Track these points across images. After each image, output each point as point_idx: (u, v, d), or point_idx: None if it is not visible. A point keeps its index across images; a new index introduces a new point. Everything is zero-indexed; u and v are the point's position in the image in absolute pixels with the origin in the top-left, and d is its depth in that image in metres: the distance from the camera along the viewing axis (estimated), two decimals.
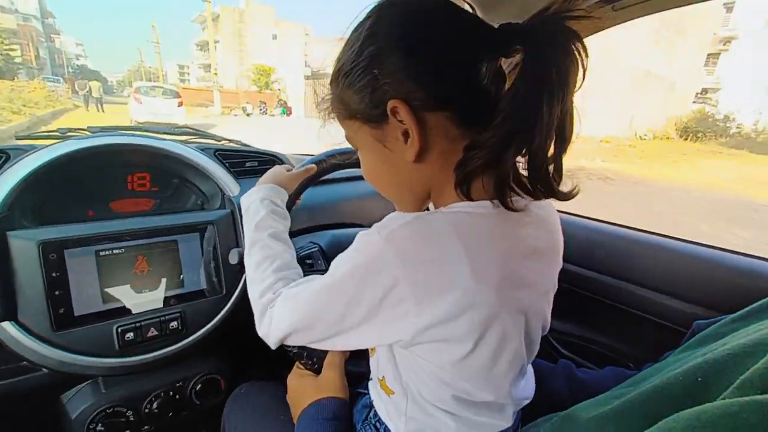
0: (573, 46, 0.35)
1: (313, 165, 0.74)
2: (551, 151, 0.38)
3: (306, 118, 22.13)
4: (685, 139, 17.43)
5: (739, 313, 0.49)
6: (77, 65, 68.73)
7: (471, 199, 0.41)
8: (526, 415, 0.56)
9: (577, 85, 0.37)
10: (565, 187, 0.41)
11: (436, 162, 0.44)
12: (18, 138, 0.86)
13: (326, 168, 0.77)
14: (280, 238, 0.60)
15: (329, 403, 0.58)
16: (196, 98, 25.36)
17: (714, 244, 0.87)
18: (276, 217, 0.62)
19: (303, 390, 0.63)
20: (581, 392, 0.66)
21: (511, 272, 0.41)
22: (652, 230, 0.97)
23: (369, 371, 0.59)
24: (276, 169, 0.73)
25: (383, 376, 0.51)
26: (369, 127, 0.45)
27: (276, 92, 30.70)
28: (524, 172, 0.40)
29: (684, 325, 0.79)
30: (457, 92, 0.41)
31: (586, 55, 0.36)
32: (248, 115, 20.62)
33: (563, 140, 0.38)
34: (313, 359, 0.66)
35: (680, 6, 0.78)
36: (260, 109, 24.01)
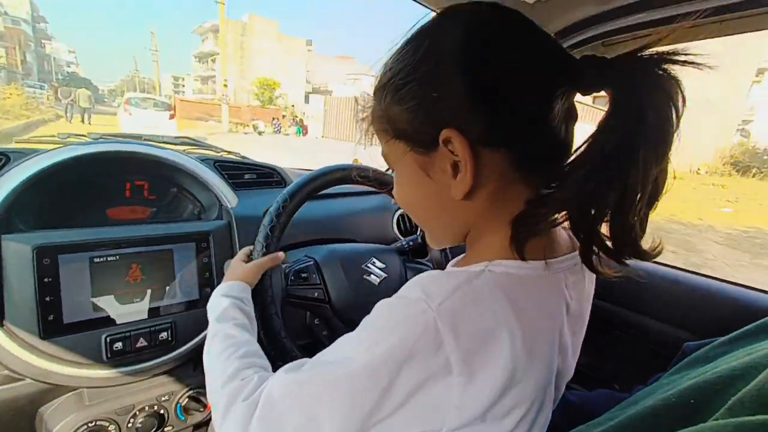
0: (674, 95, 0.30)
1: (279, 253, 0.70)
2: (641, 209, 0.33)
3: (324, 139, 20.00)
4: (742, 175, 14.57)
5: (728, 336, 0.50)
6: (68, 72, 66.73)
7: (523, 259, 0.36)
8: None
9: (667, 136, 0.31)
10: (645, 244, 0.36)
11: (484, 203, 0.38)
12: (17, 141, 0.86)
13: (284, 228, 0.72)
14: (246, 329, 0.53)
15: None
16: (194, 111, 24.04)
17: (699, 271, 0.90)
18: (240, 311, 0.56)
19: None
20: (574, 415, 0.66)
21: (557, 340, 0.38)
22: None
23: None
24: (234, 264, 0.68)
25: None
26: (414, 152, 0.39)
27: (280, 108, 28.78)
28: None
29: (669, 348, 0.81)
30: (523, 129, 0.35)
31: (685, 105, 0.31)
32: (260, 133, 19.01)
33: (654, 199, 0.33)
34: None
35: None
36: (274, 127, 21.87)
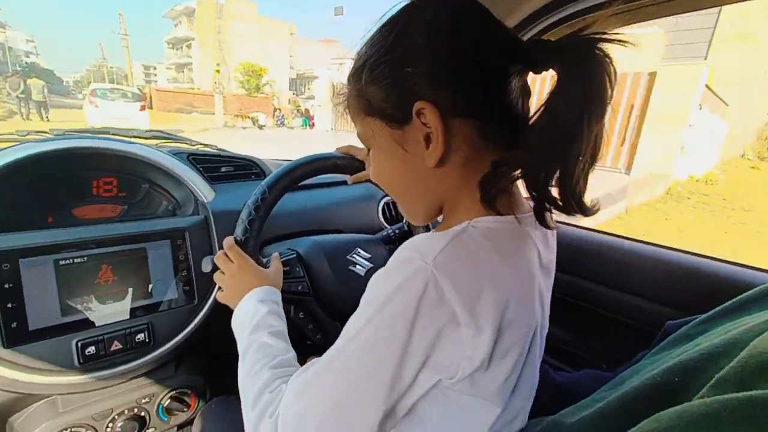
0: (608, 68, 0.35)
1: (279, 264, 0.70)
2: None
3: (335, 132, 16.94)
4: None
5: (708, 314, 0.51)
6: (26, 63, 58.78)
7: (499, 214, 0.40)
8: None
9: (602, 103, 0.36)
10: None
11: (456, 171, 0.42)
12: None
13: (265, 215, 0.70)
14: (281, 337, 0.53)
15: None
16: (173, 102, 21.61)
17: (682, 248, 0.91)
18: (277, 317, 0.56)
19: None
20: (560, 395, 0.67)
21: (538, 286, 0.42)
22: (620, 234, 1.00)
23: None
24: (255, 271, 0.63)
25: None
26: (389, 127, 0.42)
27: (269, 97, 25.83)
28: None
29: (653, 326, 0.81)
30: (487, 101, 0.40)
31: (616, 78, 0.36)
32: (261, 127, 16.53)
33: (595, 159, 0.37)
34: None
35: (636, 22, 0.81)
36: (276, 120, 19.53)
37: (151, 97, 21.13)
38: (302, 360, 0.64)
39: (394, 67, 0.40)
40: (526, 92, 0.43)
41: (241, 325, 0.55)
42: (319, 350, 0.68)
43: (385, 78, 0.41)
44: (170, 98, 22.04)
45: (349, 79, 0.46)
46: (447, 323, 0.34)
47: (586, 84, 0.34)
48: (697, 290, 0.83)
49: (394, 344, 0.34)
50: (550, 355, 1.06)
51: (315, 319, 0.81)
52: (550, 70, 0.38)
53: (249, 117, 17.60)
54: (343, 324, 0.63)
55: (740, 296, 0.49)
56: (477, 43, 0.39)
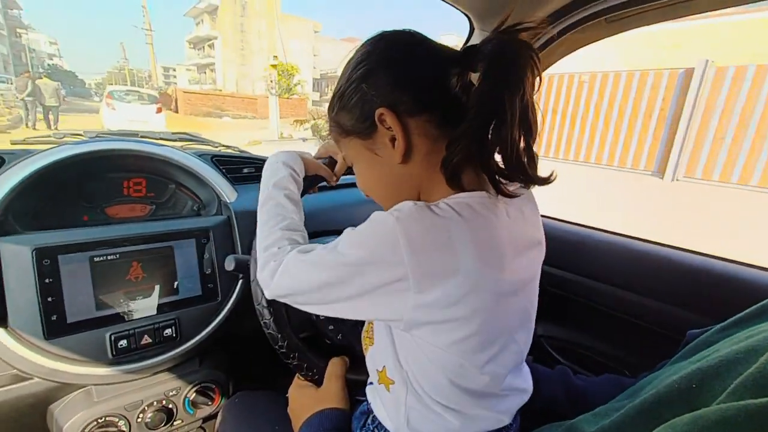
0: (526, 53, 0.41)
1: (334, 175, 0.72)
2: (522, 142, 0.43)
3: None
4: None
5: (728, 321, 0.50)
6: (49, 65, 58.44)
7: (465, 190, 0.46)
8: (524, 417, 0.56)
9: (535, 89, 0.43)
10: (543, 174, 0.46)
11: (422, 162, 0.48)
12: (12, 143, 0.85)
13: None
14: (293, 200, 0.62)
15: (330, 414, 0.58)
16: (201, 105, 19.91)
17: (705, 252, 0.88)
18: (294, 183, 0.64)
19: (304, 401, 0.63)
20: (578, 399, 0.66)
21: (509, 256, 0.45)
22: (646, 239, 0.98)
23: (367, 378, 0.58)
24: (304, 153, 0.73)
25: (383, 366, 0.52)
26: (360, 139, 0.50)
27: (304, 98, 23.55)
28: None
29: (680, 333, 0.79)
30: (433, 99, 0.47)
31: (539, 60, 0.42)
32: (323, 137, 12.91)
33: (529, 131, 0.42)
34: (314, 370, 0.65)
35: (670, 19, 0.80)
36: None
37: (176, 100, 20.06)
38: (323, 362, 0.66)
39: (355, 89, 0.48)
40: (469, 87, 0.48)
41: (266, 176, 0.65)
42: (339, 350, 0.69)
43: (350, 100, 0.49)
44: (198, 100, 20.42)
45: (328, 112, 0.54)
46: (396, 281, 0.41)
47: (503, 66, 0.41)
48: (723, 295, 0.80)
49: (348, 270, 0.44)
50: (571, 359, 1.04)
51: (335, 320, 0.82)
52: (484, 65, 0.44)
53: (308, 122, 13.44)
54: (361, 324, 0.65)
55: (762, 302, 0.47)
56: (419, 59, 0.48)
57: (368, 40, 0.51)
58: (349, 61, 0.51)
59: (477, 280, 0.41)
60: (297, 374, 0.68)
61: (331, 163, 0.73)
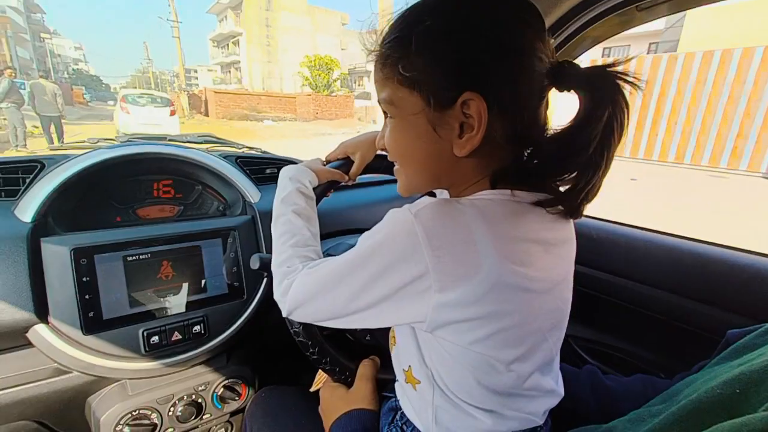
0: (625, 99, 0.39)
1: (347, 175, 0.71)
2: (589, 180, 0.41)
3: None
4: None
5: None
6: (74, 69, 58.67)
7: (494, 187, 0.44)
8: (551, 418, 0.55)
9: (621, 135, 0.40)
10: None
11: (473, 162, 0.44)
12: (51, 149, 0.90)
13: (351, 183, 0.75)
14: (302, 215, 0.61)
15: (360, 415, 0.58)
16: (235, 107, 17.47)
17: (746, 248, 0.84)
18: (301, 195, 0.63)
19: (334, 402, 0.63)
20: (607, 399, 0.64)
21: (537, 254, 0.42)
22: (679, 234, 0.94)
23: (395, 374, 0.58)
24: (314, 159, 0.72)
25: (409, 366, 0.51)
26: (427, 105, 0.42)
27: (349, 95, 21.04)
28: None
29: (716, 333, 0.76)
30: (526, 105, 0.42)
31: (628, 109, 0.40)
32: None
33: (604, 176, 0.42)
34: (346, 373, 0.66)
35: (702, 5, 0.76)
36: None
37: (206, 102, 18.14)
38: (354, 364, 0.66)
39: (455, 48, 0.39)
40: (547, 105, 0.45)
41: (276, 194, 0.64)
42: (369, 350, 0.70)
43: (442, 56, 0.40)
44: (231, 101, 17.90)
45: (388, 38, 0.44)
46: (416, 278, 0.39)
47: (610, 116, 0.38)
48: (762, 294, 0.76)
49: (368, 266, 0.42)
50: (599, 360, 1.01)
51: None
52: (572, 91, 0.42)
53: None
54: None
55: None
56: (533, 49, 0.40)
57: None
58: (459, 5, 0.40)
59: (499, 276, 0.39)
60: (329, 376, 0.68)
61: (347, 164, 0.71)
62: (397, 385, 0.58)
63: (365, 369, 0.65)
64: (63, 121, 7.91)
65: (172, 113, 10.76)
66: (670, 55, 7.79)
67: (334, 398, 0.64)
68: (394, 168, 0.52)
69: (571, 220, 0.50)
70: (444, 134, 0.42)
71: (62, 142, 6.10)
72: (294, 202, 0.61)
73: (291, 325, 0.64)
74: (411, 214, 0.40)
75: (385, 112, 0.48)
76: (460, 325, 0.41)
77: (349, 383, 0.65)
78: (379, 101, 0.47)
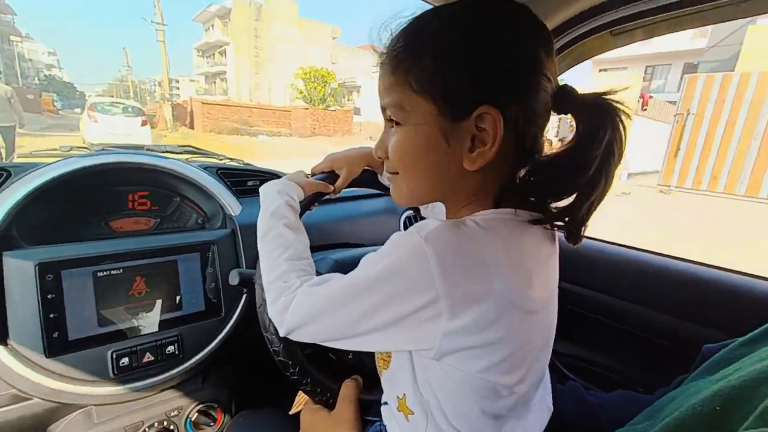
0: (624, 126, 0.40)
1: (333, 187, 0.70)
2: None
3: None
4: None
5: (747, 336, 0.48)
6: (45, 75, 54.07)
7: (498, 206, 0.44)
8: None
9: (620, 157, 0.41)
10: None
11: (479, 177, 0.44)
12: (19, 156, 0.85)
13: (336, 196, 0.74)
14: (292, 227, 0.60)
15: None
16: (224, 119, 15.99)
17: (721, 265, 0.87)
18: (290, 209, 0.62)
19: (316, 425, 0.61)
20: (591, 415, 0.64)
21: (536, 271, 0.43)
22: (657, 251, 0.97)
23: (380, 398, 0.56)
24: (297, 172, 0.70)
25: (403, 395, 0.49)
26: (442, 116, 0.41)
27: (348, 110, 19.92)
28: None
29: (692, 348, 0.77)
30: (536, 123, 0.42)
31: (626, 132, 0.40)
32: None
33: (600, 201, 0.42)
34: (327, 394, 0.63)
35: (674, 31, 0.80)
36: None
37: (191, 113, 16.53)
38: (336, 384, 0.64)
39: (476, 59, 0.39)
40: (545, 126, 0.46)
41: (263, 208, 0.61)
42: (351, 370, 0.67)
43: (462, 66, 0.39)
44: (220, 114, 16.43)
45: (401, 42, 0.42)
46: (427, 305, 0.38)
47: (611, 139, 0.39)
48: (737, 310, 0.79)
49: (375, 291, 0.40)
50: (581, 376, 1.02)
51: None
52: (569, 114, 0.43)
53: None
54: None
55: None
56: (546, 69, 0.41)
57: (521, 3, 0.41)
58: (482, 5, 0.41)
59: (509, 299, 0.38)
60: (309, 398, 0.66)
61: (332, 177, 0.70)
62: (384, 409, 0.56)
63: (348, 390, 0.62)
64: (21, 131, 6.31)
65: (144, 123, 10.25)
66: (724, 75, 7.14)
67: (315, 421, 0.61)
68: (389, 176, 0.51)
69: (557, 235, 0.51)
70: (455, 146, 0.42)
71: (11, 159, 4.75)
72: (284, 215, 0.60)
73: (271, 343, 0.61)
74: (420, 237, 0.38)
75: (389, 119, 0.46)
76: (470, 352, 0.39)
77: (330, 405, 0.63)
78: (384, 106, 0.45)
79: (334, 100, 20.87)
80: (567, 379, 1.02)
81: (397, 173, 0.48)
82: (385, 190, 0.79)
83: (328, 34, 30.12)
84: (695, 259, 0.90)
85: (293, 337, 0.50)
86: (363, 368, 0.68)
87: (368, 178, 0.74)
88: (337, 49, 30.92)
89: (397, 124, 0.45)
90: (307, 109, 18.43)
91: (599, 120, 0.39)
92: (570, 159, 0.40)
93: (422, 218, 0.66)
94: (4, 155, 5.87)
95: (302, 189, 0.66)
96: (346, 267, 0.83)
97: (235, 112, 17.07)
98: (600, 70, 19.04)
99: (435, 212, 0.75)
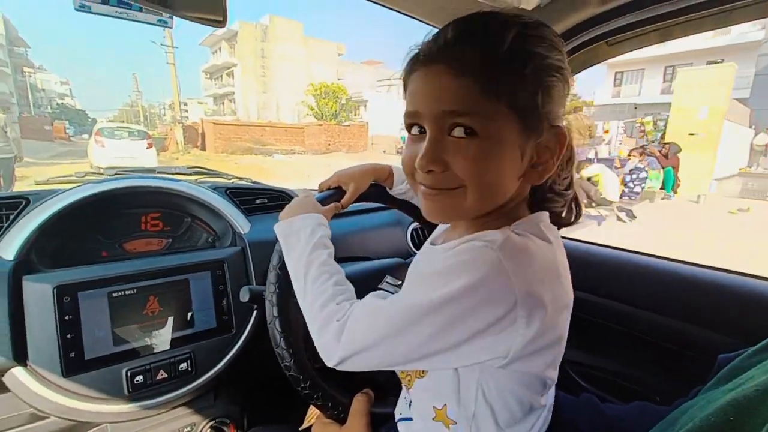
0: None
1: (338, 204, 0.70)
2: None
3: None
4: None
5: (760, 345, 0.48)
6: (58, 104, 55.03)
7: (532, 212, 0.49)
8: None
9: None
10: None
11: (520, 187, 0.47)
12: (37, 183, 0.89)
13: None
14: (332, 257, 0.59)
15: None
16: (237, 139, 15.53)
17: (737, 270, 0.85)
18: (329, 242, 0.60)
19: None
20: (609, 429, 0.63)
21: (565, 267, 0.47)
22: (671, 257, 0.96)
23: (392, 410, 0.56)
24: (310, 201, 0.66)
25: (443, 405, 0.48)
26: (522, 131, 0.42)
27: (363, 125, 19.26)
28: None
29: (711, 356, 0.76)
30: None
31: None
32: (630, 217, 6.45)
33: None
34: (339, 408, 0.63)
35: (666, 41, 0.82)
36: (634, 181, 7.23)
37: (203, 134, 16.30)
38: (347, 398, 0.63)
39: (562, 82, 0.44)
40: None
41: (302, 236, 0.59)
42: (364, 383, 0.67)
43: (554, 87, 0.43)
44: (232, 134, 15.98)
45: (493, 53, 0.41)
46: (506, 313, 0.38)
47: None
48: (755, 315, 0.77)
49: (450, 314, 0.40)
50: (596, 386, 1.00)
51: None
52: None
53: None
54: None
55: None
56: None
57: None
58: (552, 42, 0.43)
59: (564, 301, 0.43)
60: (320, 412, 0.66)
61: (339, 193, 0.71)
62: (405, 425, 0.55)
63: (359, 404, 0.62)
64: (30, 159, 6.11)
65: (149, 146, 10.54)
66: None
67: None
68: (437, 191, 0.46)
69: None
70: (525, 160, 0.44)
71: (10, 189, 4.93)
72: (326, 245, 0.59)
73: (282, 358, 0.62)
74: (493, 250, 0.39)
75: (419, 129, 0.45)
76: (538, 353, 0.41)
77: (342, 419, 0.63)
78: (445, 111, 0.42)
79: (345, 116, 20.72)
80: (581, 389, 1.00)
81: (459, 187, 0.44)
82: (393, 204, 0.80)
83: (334, 51, 30.86)
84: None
85: (344, 367, 0.47)
86: (375, 381, 0.68)
87: (376, 192, 0.75)
88: (342, 65, 31.81)
89: (469, 135, 0.42)
90: (320, 125, 18.09)
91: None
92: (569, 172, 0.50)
93: (430, 231, 0.66)
94: (2, 185, 5.69)
95: (324, 216, 0.64)
96: (356, 281, 0.84)
97: (247, 131, 16.72)
98: (616, 73, 19.11)
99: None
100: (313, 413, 0.71)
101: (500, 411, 0.45)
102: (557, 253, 0.45)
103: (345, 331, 0.46)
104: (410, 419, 0.54)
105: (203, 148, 16.26)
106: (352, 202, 0.72)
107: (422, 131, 0.45)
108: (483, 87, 0.40)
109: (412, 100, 0.45)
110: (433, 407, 0.49)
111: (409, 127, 0.47)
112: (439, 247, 0.52)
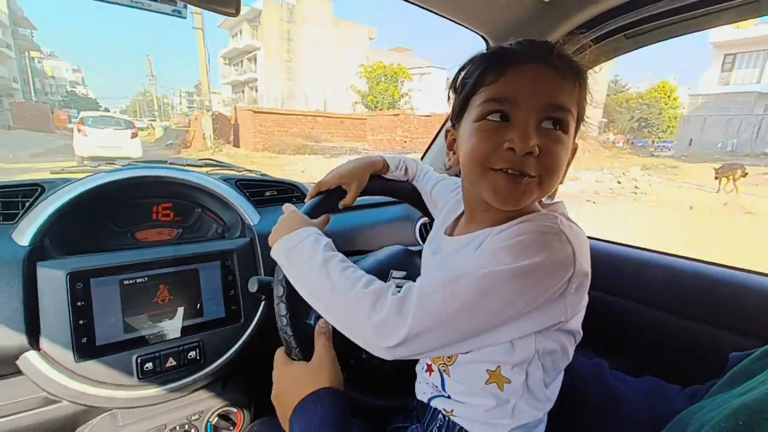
0: None
1: (329, 215, 0.68)
2: None
3: None
4: None
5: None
6: (68, 91, 53.16)
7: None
8: (552, 417, 0.55)
9: None
10: None
11: None
12: (52, 172, 0.90)
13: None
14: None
15: (331, 394, 0.52)
16: (285, 132, 12.33)
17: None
18: (335, 248, 0.57)
19: (295, 378, 0.56)
20: (611, 397, 0.64)
21: None
22: (682, 255, 0.94)
23: (399, 403, 0.56)
24: (297, 217, 0.63)
25: (496, 366, 0.50)
26: (574, 129, 0.52)
27: (409, 113, 14.67)
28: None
29: (723, 355, 0.74)
30: None
31: None
32: None
33: None
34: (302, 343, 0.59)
35: (688, 33, 0.79)
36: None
37: (236, 127, 12.77)
38: (350, 382, 0.63)
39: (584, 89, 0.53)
40: None
41: (305, 248, 0.55)
42: (364, 373, 0.67)
43: (585, 98, 0.53)
44: (275, 124, 12.35)
45: (581, 71, 0.51)
46: (567, 279, 0.45)
47: None
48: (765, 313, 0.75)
49: (526, 284, 0.43)
50: None
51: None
52: None
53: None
54: None
55: None
56: None
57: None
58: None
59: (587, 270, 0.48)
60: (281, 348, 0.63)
61: (339, 192, 0.70)
62: (441, 401, 0.56)
63: (321, 328, 0.58)
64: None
65: (133, 135, 10.16)
66: None
67: (294, 374, 0.57)
68: (517, 176, 0.48)
69: None
70: (570, 148, 0.52)
71: None
72: (334, 250, 0.56)
73: (283, 331, 0.60)
74: (557, 226, 0.46)
75: (500, 115, 0.49)
76: (579, 314, 0.50)
77: (305, 357, 0.58)
78: (548, 104, 0.48)
79: (404, 105, 16.37)
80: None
81: (536, 176, 0.48)
82: (394, 195, 0.80)
83: (365, 35, 27.19)
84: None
85: (401, 350, 0.44)
86: (379, 370, 0.67)
87: (377, 184, 0.74)
88: (372, 52, 27.82)
89: (561, 130, 0.49)
90: (397, 114, 13.79)
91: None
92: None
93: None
94: None
95: (319, 228, 0.62)
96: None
97: (294, 122, 12.61)
98: (725, 56, 16.01)
99: (439, 207, 0.73)
100: None
101: (546, 360, 0.50)
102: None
103: (413, 304, 0.44)
104: (447, 396, 0.55)
105: (236, 144, 12.79)
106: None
107: (503, 118, 0.48)
108: (574, 91, 0.50)
109: (505, 88, 0.48)
110: (486, 370, 0.50)
111: (485, 114, 0.49)
112: (480, 232, 0.53)
